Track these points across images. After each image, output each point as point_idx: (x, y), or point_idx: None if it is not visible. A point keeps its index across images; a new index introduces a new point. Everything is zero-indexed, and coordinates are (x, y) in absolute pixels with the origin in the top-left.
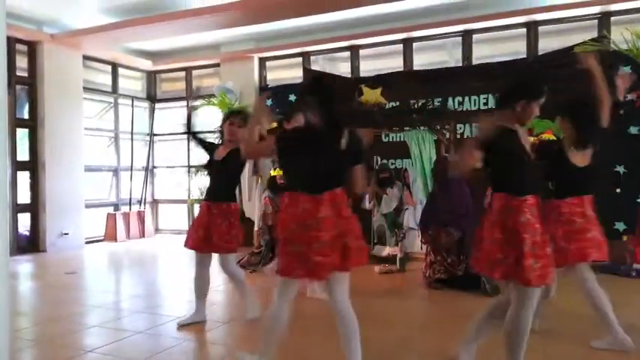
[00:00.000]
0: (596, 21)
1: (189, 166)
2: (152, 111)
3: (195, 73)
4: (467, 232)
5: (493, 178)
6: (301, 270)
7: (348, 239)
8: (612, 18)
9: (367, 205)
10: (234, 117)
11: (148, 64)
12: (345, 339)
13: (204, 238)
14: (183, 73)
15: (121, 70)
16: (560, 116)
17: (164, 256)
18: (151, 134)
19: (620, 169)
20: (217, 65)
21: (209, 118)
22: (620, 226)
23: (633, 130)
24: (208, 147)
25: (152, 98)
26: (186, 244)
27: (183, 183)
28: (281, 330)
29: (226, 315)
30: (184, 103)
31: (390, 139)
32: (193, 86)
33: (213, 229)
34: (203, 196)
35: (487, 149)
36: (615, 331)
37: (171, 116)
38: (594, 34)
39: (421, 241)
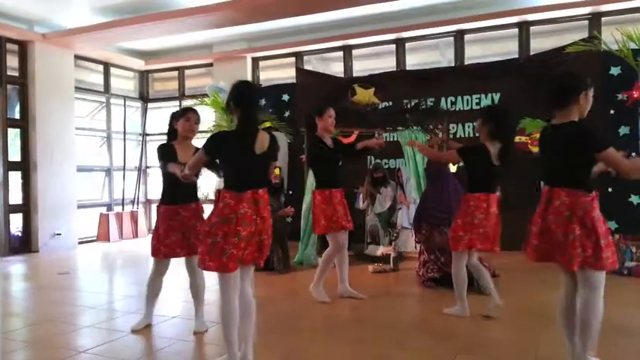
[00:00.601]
0: (587, 21)
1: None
2: (144, 111)
3: (187, 72)
4: None
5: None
6: (214, 262)
7: (264, 237)
8: (603, 18)
9: (361, 204)
10: (192, 113)
11: (140, 64)
12: (242, 317)
13: (181, 242)
14: (175, 73)
15: (113, 70)
16: (481, 120)
17: None
18: (144, 134)
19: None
20: (210, 65)
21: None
22: (612, 225)
23: (624, 129)
24: (169, 154)
25: (144, 98)
26: (158, 254)
27: None
28: (236, 323)
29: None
30: (177, 102)
31: (384, 139)
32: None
33: (191, 232)
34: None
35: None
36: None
37: (163, 116)
38: (585, 35)
39: (415, 240)
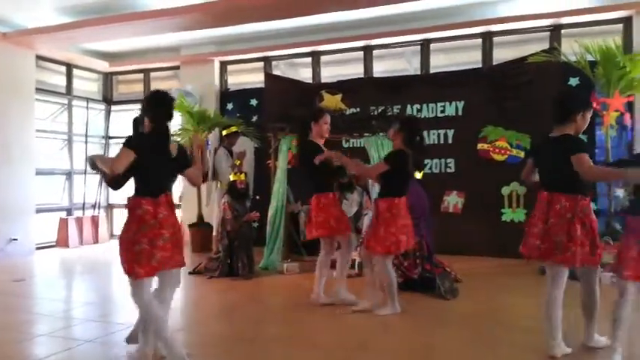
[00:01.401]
0: (548, 33)
1: None
2: (108, 113)
3: (153, 75)
4: (424, 236)
5: None
6: (145, 267)
7: (181, 239)
8: (563, 31)
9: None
10: None
11: (104, 66)
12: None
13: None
14: (141, 75)
15: (75, 71)
16: (394, 128)
17: (118, 262)
18: (107, 137)
19: None
20: (177, 68)
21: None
22: None
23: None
24: None
25: (108, 100)
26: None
27: None
28: (166, 327)
29: (182, 321)
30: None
31: (351, 145)
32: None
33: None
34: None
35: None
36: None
37: (128, 119)
38: (546, 46)
39: None
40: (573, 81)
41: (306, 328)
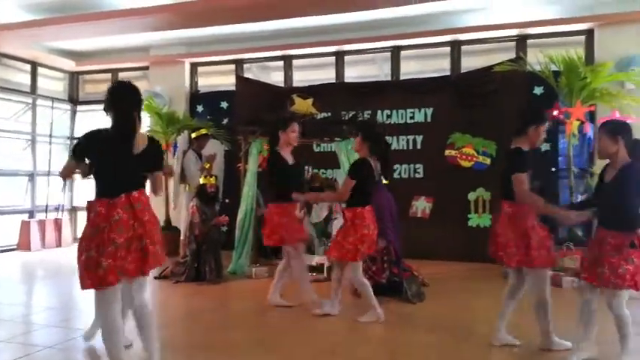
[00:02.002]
0: (515, 43)
1: None
2: (74, 113)
3: (121, 75)
4: (392, 241)
5: None
6: (90, 279)
7: (147, 243)
8: (528, 41)
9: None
10: None
11: (70, 65)
12: (142, 329)
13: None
14: (108, 75)
15: (40, 70)
16: (360, 137)
17: None
18: (72, 138)
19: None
20: (146, 68)
21: None
22: None
23: (545, 146)
24: None
25: (74, 100)
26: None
27: None
28: (121, 341)
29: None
30: None
31: (322, 149)
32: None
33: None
34: None
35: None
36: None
37: (94, 119)
38: (513, 55)
39: None
40: (538, 90)
41: (271, 333)
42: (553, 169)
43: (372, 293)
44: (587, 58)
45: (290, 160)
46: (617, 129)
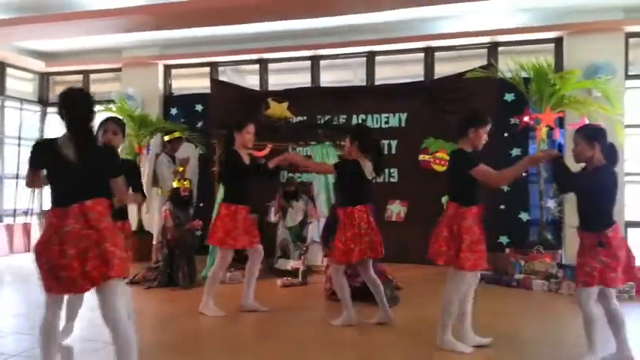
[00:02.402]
0: (486, 50)
1: None
2: (44, 115)
3: (93, 77)
4: None
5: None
6: (59, 287)
7: (107, 246)
8: (500, 48)
9: (273, 218)
10: (110, 123)
11: (40, 65)
12: (122, 355)
13: None
14: (80, 77)
15: (9, 71)
16: (349, 139)
17: None
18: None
19: (504, 187)
20: (118, 70)
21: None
22: (503, 239)
23: (516, 151)
24: None
25: (44, 102)
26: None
27: None
28: (55, 343)
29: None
30: None
31: (297, 153)
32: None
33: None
34: None
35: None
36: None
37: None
38: (484, 62)
39: (322, 254)
40: (509, 96)
41: (243, 339)
42: (523, 174)
43: (349, 297)
44: (556, 66)
45: (247, 160)
46: (593, 134)
